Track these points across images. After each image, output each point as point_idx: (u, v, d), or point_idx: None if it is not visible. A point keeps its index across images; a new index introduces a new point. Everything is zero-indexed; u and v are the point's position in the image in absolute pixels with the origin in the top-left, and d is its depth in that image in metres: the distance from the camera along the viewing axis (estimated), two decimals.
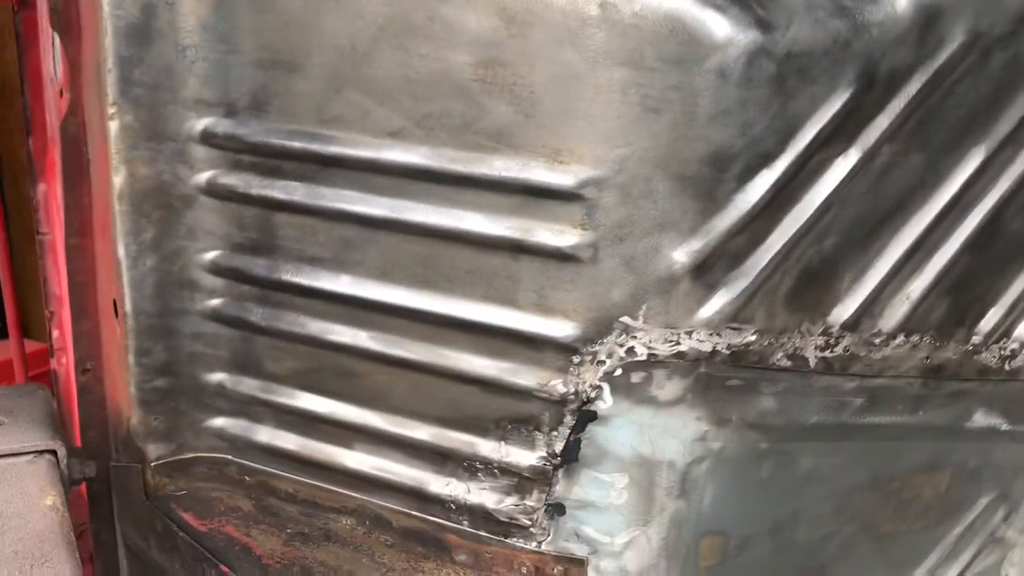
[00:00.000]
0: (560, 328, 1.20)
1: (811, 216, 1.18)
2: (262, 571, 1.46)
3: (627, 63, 1.09)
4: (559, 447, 1.24)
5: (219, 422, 1.45)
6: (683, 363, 1.19)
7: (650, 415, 1.22)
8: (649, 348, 1.19)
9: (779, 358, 1.24)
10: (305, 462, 1.41)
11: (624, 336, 1.19)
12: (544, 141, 1.14)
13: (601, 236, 1.15)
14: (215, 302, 1.39)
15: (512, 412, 1.26)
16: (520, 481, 1.28)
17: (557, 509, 1.28)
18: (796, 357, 1.25)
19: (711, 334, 1.19)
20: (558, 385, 1.22)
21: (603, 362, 1.20)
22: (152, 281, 1.37)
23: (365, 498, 1.38)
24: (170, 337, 1.41)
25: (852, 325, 1.27)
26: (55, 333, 1.96)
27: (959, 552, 1.55)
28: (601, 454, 1.24)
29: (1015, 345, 1.42)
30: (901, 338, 1.31)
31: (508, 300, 1.21)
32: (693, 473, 1.25)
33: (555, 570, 1.29)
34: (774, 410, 1.26)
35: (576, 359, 1.21)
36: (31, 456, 1.29)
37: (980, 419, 1.45)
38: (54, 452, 1.33)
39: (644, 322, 1.18)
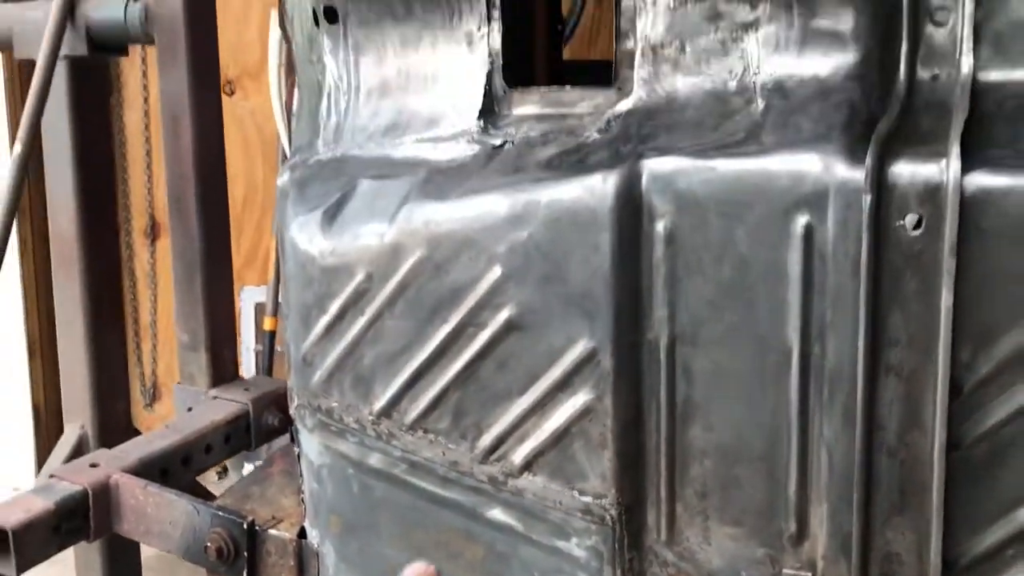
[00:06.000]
0: None
1: (352, 340, 2.19)
2: None
3: None
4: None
5: None
6: (311, 409, 2.31)
7: (306, 435, 2.35)
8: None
9: (351, 421, 2.24)
10: None
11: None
12: None
13: None
14: None
15: None
16: None
17: None
18: (359, 423, 2.23)
19: (315, 398, 2.28)
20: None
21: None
22: None
23: None
24: None
25: (386, 414, 2.17)
26: None
27: None
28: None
29: (510, 468, 2.04)
30: (420, 433, 2.14)
31: None
32: (322, 472, 2.31)
33: None
34: (353, 451, 2.24)
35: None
36: None
37: (498, 515, 2.07)
38: None
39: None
